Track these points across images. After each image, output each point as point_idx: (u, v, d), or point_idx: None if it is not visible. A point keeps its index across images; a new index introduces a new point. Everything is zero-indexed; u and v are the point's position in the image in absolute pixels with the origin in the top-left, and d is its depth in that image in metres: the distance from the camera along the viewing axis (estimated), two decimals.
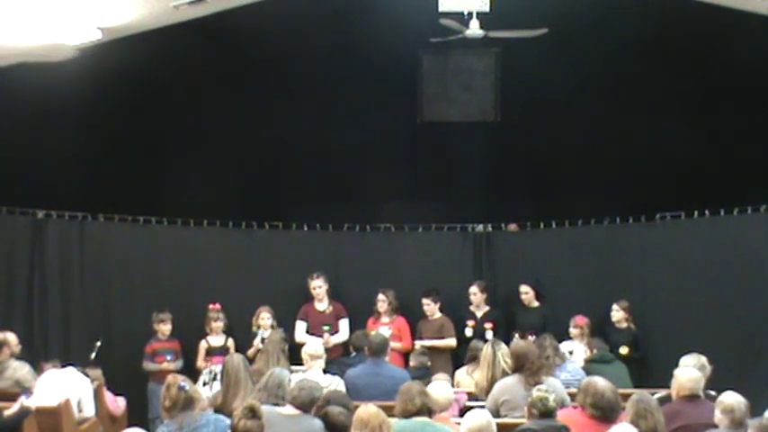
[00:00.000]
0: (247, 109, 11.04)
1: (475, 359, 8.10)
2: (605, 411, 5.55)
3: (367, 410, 5.29)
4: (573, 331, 9.11)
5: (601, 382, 5.69)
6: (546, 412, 5.50)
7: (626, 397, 5.79)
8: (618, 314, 9.28)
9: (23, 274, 9.68)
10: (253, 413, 5.20)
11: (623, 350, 8.80)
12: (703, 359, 6.77)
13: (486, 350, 7.23)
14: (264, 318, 9.34)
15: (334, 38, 10.72)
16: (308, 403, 5.79)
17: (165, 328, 9.40)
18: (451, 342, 9.41)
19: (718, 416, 5.64)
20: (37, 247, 9.72)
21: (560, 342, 8.46)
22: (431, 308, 9.50)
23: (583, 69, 10.65)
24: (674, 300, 9.43)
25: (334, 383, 7.27)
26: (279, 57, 10.88)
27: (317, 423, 5.73)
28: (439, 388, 6.28)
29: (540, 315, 9.49)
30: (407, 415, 5.70)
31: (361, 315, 9.66)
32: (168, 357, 9.27)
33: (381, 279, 9.78)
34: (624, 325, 9.29)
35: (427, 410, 5.71)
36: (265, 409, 5.48)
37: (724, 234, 9.37)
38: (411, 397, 5.73)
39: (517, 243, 10.19)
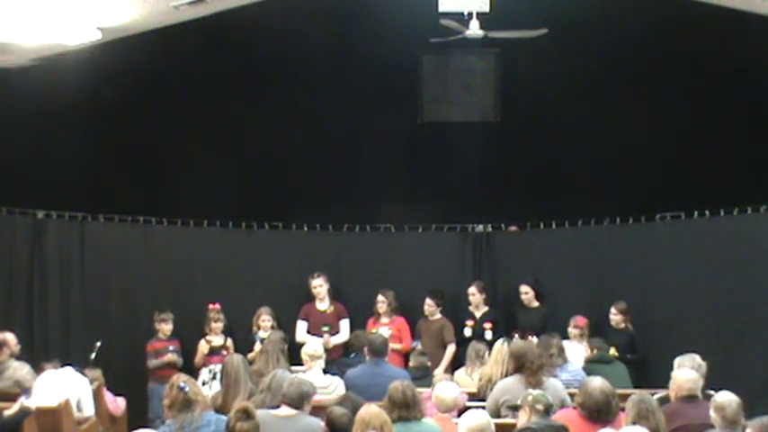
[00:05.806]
0: (247, 109, 11.05)
1: (476, 359, 8.13)
2: (591, 412, 5.60)
3: (369, 411, 5.31)
4: (572, 331, 9.10)
5: (594, 383, 5.71)
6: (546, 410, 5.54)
7: (626, 397, 5.79)
8: (615, 316, 9.26)
9: (23, 274, 9.66)
10: (246, 415, 5.23)
11: (612, 351, 8.75)
12: (699, 359, 6.76)
13: (500, 347, 7.25)
14: (265, 319, 9.33)
15: (334, 38, 10.74)
16: (297, 400, 5.79)
17: (167, 328, 9.39)
18: (452, 349, 9.38)
19: (712, 414, 5.64)
20: (37, 247, 9.70)
21: None
22: (431, 309, 9.47)
23: (583, 69, 10.66)
24: (674, 300, 9.40)
25: (334, 384, 7.28)
26: (279, 57, 10.90)
27: (315, 421, 5.74)
28: (446, 388, 6.28)
29: (540, 315, 9.48)
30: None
31: (360, 315, 9.64)
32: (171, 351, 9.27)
33: (381, 279, 9.75)
34: (621, 326, 9.26)
35: (405, 420, 5.69)
36: (260, 412, 5.50)
37: (724, 234, 9.36)
38: (391, 406, 5.74)
39: (517, 243, 10.16)
